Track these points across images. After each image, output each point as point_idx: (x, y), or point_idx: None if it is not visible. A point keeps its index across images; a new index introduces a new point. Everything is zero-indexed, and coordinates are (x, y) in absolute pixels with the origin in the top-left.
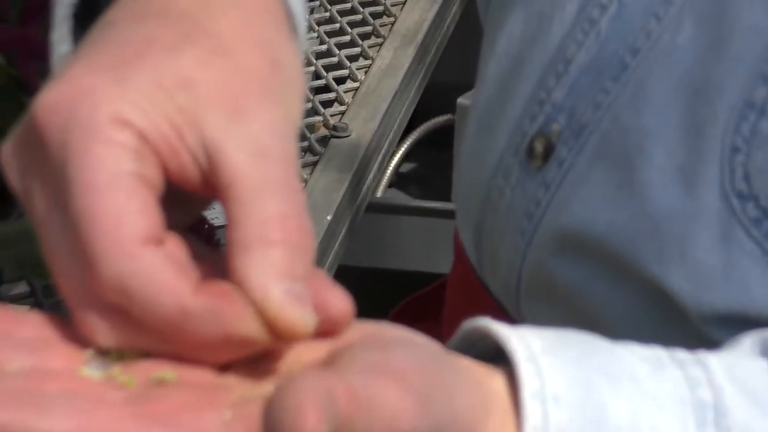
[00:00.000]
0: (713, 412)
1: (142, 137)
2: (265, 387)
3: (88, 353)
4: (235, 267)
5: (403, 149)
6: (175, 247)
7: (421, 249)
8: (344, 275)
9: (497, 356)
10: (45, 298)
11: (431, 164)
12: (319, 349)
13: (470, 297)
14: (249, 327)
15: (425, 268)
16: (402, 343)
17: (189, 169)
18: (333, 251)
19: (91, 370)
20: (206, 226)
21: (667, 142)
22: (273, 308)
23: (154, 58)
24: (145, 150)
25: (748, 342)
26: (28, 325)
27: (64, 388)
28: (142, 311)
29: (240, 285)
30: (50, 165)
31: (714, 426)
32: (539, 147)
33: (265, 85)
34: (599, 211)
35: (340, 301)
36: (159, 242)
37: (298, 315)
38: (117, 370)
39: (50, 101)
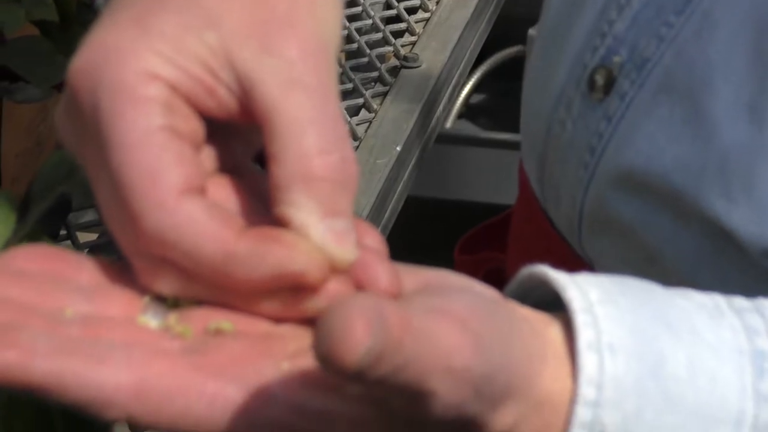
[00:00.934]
0: None
1: (172, 88)
2: None
3: (145, 300)
4: (277, 205)
5: (473, 80)
6: (221, 192)
7: (489, 180)
8: (413, 205)
9: (555, 303)
10: None
11: (501, 96)
12: None
13: (534, 229)
14: (293, 264)
15: (493, 199)
16: (461, 290)
17: (230, 105)
18: (402, 181)
19: (147, 318)
20: None
21: (733, 76)
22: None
23: (177, 3)
24: (176, 100)
25: None
26: (87, 270)
27: (121, 337)
28: (188, 261)
29: (283, 223)
30: (88, 127)
31: None
32: (600, 79)
33: (293, 14)
34: (664, 146)
35: (387, 277)
36: (199, 191)
37: (338, 253)
38: (173, 320)
39: (79, 66)
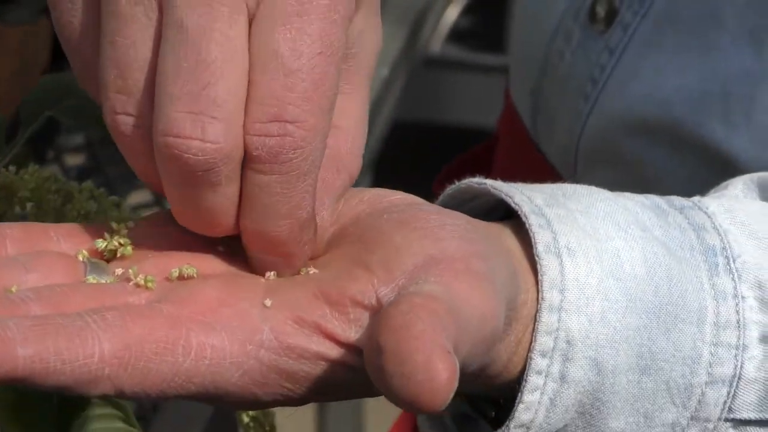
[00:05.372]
0: (723, 257)
1: None
2: None
3: (82, 257)
4: None
5: (461, 2)
6: None
7: (477, 104)
8: (400, 129)
9: (487, 218)
10: (101, 149)
11: (491, 17)
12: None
13: (523, 163)
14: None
15: (482, 123)
16: (431, 218)
17: None
18: (389, 105)
19: (95, 277)
20: None
21: (737, 5)
22: None
23: None
24: None
25: (740, 184)
26: (10, 239)
27: (84, 304)
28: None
29: None
30: None
31: (726, 273)
32: (602, 11)
33: None
34: (667, 76)
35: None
36: None
37: None
38: (132, 271)
39: None
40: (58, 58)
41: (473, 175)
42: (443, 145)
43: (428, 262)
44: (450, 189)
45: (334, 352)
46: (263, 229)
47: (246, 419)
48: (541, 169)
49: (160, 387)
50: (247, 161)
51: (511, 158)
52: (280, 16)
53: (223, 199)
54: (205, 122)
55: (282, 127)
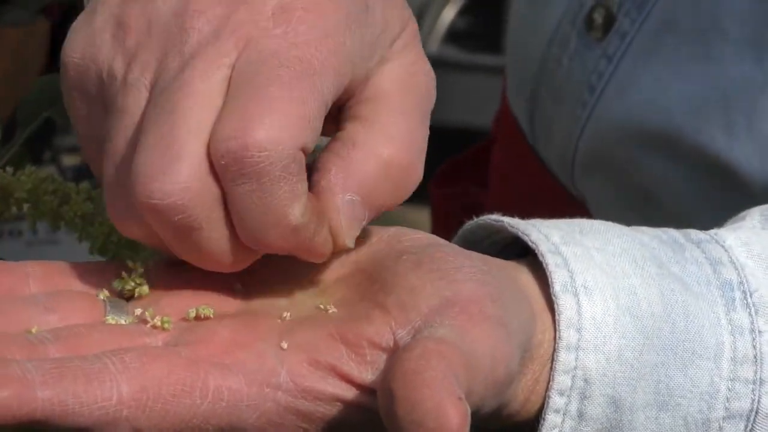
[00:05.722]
0: (740, 292)
1: None
2: (302, 306)
3: (102, 297)
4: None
5: (458, 2)
6: None
7: (474, 104)
8: None
9: (504, 254)
10: None
11: (487, 18)
12: (342, 263)
13: (521, 167)
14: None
15: (478, 123)
16: (448, 260)
17: None
18: None
19: (114, 317)
20: None
21: (739, 14)
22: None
23: None
24: None
25: (757, 215)
26: (33, 278)
27: (103, 345)
28: None
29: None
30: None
31: (743, 307)
32: (599, 18)
33: None
34: (668, 84)
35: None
36: None
37: (343, 233)
38: (149, 313)
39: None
40: (54, 59)
41: (470, 175)
42: (439, 145)
43: (443, 304)
44: (468, 225)
45: (350, 393)
46: (257, 240)
47: None
48: (538, 173)
49: (178, 428)
50: (221, 177)
51: (509, 161)
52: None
53: (216, 240)
54: (167, 166)
55: (243, 131)
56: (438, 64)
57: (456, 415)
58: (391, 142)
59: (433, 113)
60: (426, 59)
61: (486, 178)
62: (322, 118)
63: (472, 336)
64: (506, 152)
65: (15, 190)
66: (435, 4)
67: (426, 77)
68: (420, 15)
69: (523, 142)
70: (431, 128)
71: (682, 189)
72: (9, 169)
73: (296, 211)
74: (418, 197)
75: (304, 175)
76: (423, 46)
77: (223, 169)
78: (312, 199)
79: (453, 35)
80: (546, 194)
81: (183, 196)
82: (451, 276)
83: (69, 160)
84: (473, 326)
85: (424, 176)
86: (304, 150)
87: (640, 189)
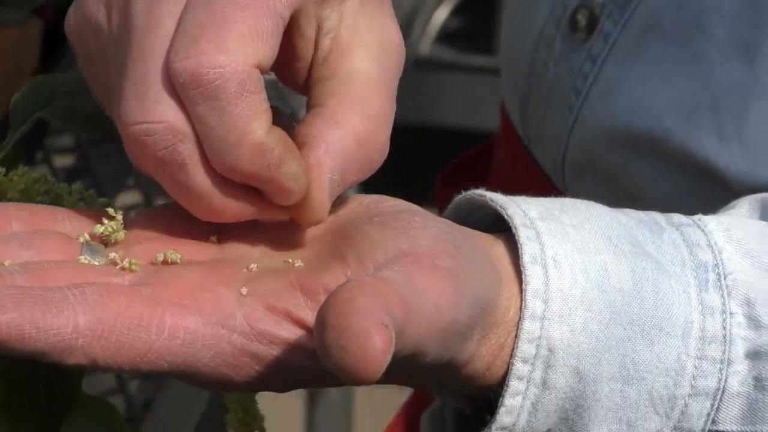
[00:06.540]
0: (714, 274)
1: None
2: (271, 259)
3: (82, 239)
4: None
5: (450, 3)
6: None
7: (468, 105)
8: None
9: (491, 229)
10: (90, 150)
11: (480, 18)
12: (319, 227)
13: (517, 167)
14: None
15: (474, 124)
16: (414, 220)
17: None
18: None
19: (88, 258)
20: None
21: (726, 16)
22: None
23: None
24: None
25: (746, 204)
26: (16, 219)
27: (69, 279)
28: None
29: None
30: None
31: (715, 289)
32: (582, 19)
33: None
34: (653, 87)
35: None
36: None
37: (316, 203)
38: (118, 255)
39: None
40: (47, 60)
41: (473, 177)
42: (432, 145)
43: (398, 254)
44: (457, 198)
45: (304, 338)
46: (225, 164)
47: (234, 418)
48: (535, 177)
49: (133, 361)
50: (184, 100)
51: (508, 163)
52: None
53: (200, 180)
54: (150, 106)
55: (197, 50)
56: (430, 64)
57: (381, 341)
58: (369, 122)
59: (426, 113)
60: (395, 22)
61: (488, 180)
62: (279, 35)
63: (417, 280)
64: (504, 154)
65: (7, 190)
66: (427, 4)
67: (398, 53)
68: (412, 16)
69: (519, 144)
70: (424, 129)
71: (670, 192)
72: (1, 170)
73: (258, 128)
74: (425, 197)
75: (263, 93)
76: (415, 48)
77: (183, 90)
78: (279, 129)
79: (445, 36)
80: (540, 195)
81: (166, 132)
82: (412, 233)
83: (61, 161)
84: (420, 272)
85: (430, 176)
86: (259, 67)
87: (626, 194)
